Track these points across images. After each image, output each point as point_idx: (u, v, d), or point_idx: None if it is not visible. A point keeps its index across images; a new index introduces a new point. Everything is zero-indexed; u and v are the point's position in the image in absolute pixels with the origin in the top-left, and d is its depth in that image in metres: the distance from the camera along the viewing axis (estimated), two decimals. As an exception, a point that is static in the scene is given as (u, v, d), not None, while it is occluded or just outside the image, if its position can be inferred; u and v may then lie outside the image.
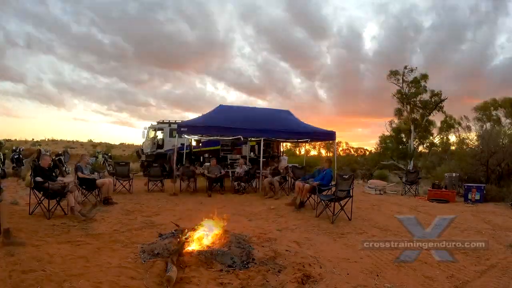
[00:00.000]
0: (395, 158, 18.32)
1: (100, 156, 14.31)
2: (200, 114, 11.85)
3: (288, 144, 14.14)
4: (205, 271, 2.88)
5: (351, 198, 5.34)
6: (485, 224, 5.39)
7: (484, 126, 15.50)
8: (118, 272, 2.80)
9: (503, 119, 17.86)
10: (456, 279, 2.96)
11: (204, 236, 3.59)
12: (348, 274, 2.98)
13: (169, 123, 13.34)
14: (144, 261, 3.08)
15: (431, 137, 19.64)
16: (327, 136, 9.44)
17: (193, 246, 3.36)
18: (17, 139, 27.80)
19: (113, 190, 6.92)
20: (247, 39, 46.68)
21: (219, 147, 13.29)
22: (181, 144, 11.08)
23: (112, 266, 2.94)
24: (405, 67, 19.97)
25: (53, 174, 5.76)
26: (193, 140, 12.24)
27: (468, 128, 18.53)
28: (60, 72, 48.35)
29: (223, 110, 9.27)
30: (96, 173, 6.81)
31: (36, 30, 41.29)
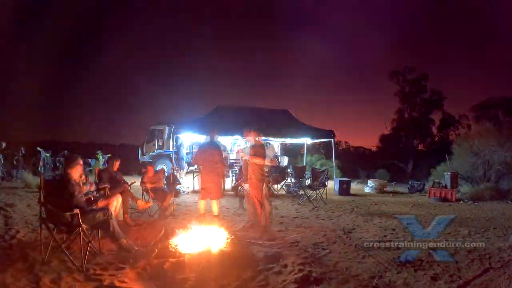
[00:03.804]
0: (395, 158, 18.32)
1: (100, 156, 13.75)
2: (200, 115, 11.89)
3: (288, 144, 14.20)
4: (204, 271, 2.87)
5: (325, 187, 7.02)
6: (486, 223, 5.39)
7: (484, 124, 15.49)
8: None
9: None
10: (457, 278, 2.95)
11: (204, 236, 3.58)
12: (349, 273, 2.98)
13: (169, 123, 13.34)
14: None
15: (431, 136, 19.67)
16: (326, 135, 9.44)
17: (193, 246, 3.36)
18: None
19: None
20: None
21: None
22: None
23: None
24: (406, 67, 20.02)
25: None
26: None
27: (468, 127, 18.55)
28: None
29: (221, 110, 9.30)
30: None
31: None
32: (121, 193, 4.58)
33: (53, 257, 3.03)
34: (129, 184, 5.02)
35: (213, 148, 4.74)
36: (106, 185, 4.43)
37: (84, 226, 2.97)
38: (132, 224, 4.50)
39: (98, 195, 4.15)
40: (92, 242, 3.19)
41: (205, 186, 4.62)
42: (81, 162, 3.46)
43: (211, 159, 4.62)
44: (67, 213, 2.95)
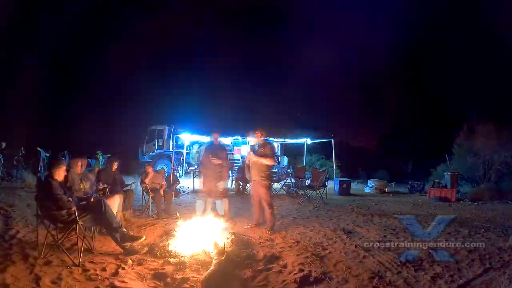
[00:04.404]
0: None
1: (100, 156, 13.55)
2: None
3: (289, 144, 14.22)
4: (204, 271, 2.87)
5: (325, 187, 6.99)
6: (486, 223, 5.39)
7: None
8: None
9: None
10: (457, 278, 2.95)
11: (204, 236, 3.59)
12: (349, 274, 2.98)
13: (169, 124, 13.35)
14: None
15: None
16: (326, 135, 9.45)
17: (193, 246, 3.36)
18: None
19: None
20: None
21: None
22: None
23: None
24: (405, 66, 19.99)
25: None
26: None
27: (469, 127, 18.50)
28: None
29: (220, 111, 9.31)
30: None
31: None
32: (123, 193, 4.61)
33: (52, 256, 3.03)
34: (130, 184, 5.04)
35: (216, 149, 4.81)
36: (106, 186, 4.43)
37: (80, 222, 3.05)
38: (132, 221, 4.52)
39: (97, 195, 4.17)
40: (87, 238, 3.27)
41: (208, 187, 4.70)
42: (81, 162, 3.48)
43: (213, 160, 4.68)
44: (64, 211, 3.04)
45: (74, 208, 3.06)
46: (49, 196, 3.09)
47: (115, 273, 2.79)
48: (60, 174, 3.30)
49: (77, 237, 3.05)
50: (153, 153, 13.29)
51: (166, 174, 7.52)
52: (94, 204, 3.31)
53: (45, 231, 3.16)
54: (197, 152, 12.57)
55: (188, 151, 12.53)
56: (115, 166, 4.95)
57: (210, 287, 2.52)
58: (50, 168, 3.35)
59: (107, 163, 5.19)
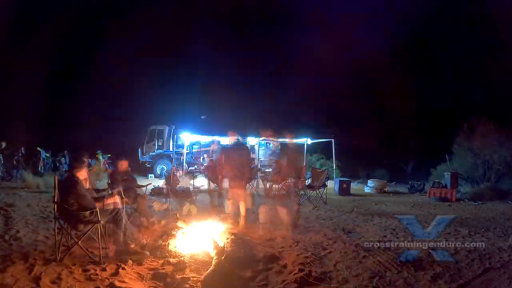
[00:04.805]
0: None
1: (100, 156, 13.41)
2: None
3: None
4: (204, 271, 2.88)
5: (325, 187, 6.99)
6: (486, 223, 5.39)
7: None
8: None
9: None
10: (457, 278, 2.95)
11: (204, 236, 3.59)
12: (349, 274, 2.98)
13: (169, 124, 13.36)
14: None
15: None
16: (326, 135, 9.46)
17: (193, 246, 3.37)
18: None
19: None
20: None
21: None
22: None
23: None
24: (405, 64, 19.94)
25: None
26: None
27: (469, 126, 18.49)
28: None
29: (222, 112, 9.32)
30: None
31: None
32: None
33: (53, 256, 3.04)
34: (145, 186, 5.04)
35: (240, 149, 4.69)
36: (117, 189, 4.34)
37: (102, 222, 3.10)
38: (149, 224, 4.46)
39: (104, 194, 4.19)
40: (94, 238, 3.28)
41: (232, 188, 4.59)
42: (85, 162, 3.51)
43: (236, 160, 4.53)
44: (87, 211, 3.07)
45: (97, 208, 3.11)
46: (74, 195, 3.11)
47: (115, 273, 2.79)
48: (82, 173, 3.31)
49: (99, 236, 3.10)
50: (153, 153, 13.30)
51: (166, 174, 7.47)
52: (113, 215, 3.31)
53: (45, 232, 3.15)
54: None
55: (188, 151, 12.54)
56: (123, 166, 4.81)
57: (210, 287, 2.52)
58: (71, 167, 3.34)
59: (113, 164, 5.13)
